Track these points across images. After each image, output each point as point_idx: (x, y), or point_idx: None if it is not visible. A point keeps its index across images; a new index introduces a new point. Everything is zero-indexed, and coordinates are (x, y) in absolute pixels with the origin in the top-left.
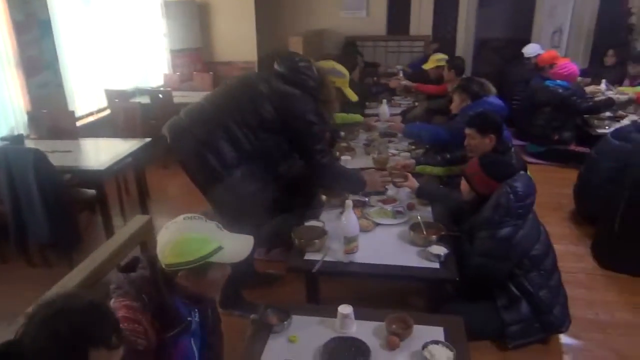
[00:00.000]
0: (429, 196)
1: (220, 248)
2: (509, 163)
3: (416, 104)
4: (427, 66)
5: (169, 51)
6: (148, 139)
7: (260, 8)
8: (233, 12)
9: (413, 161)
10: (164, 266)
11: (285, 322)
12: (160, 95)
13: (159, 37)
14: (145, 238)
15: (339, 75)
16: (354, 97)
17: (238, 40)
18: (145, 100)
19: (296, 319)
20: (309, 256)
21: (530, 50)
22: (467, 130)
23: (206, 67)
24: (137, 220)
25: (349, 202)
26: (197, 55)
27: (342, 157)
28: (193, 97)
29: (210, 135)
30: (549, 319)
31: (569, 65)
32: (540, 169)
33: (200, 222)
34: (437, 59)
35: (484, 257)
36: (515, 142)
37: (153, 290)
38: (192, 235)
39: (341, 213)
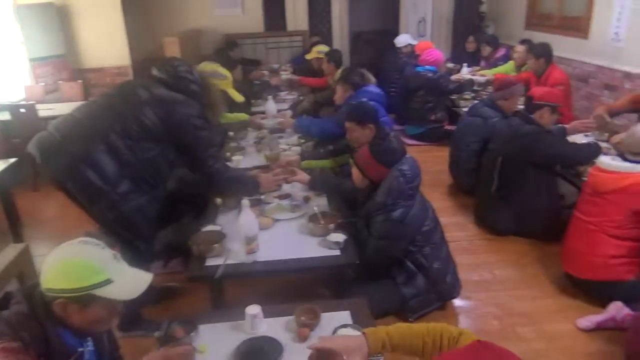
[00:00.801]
0: (322, 188)
1: (108, 281)
2: (395, 148)
3: (301, 97)
4: (309, 56)
5: (29, 60)
6: (13, 159)
7: (128, 9)
8: (97, 15)
9: (298, 157)
10: (43, 290)
11: (192, 334)
12: (23, 110)
13: (14, 46)
14: (23, 268)
15: (221, 77)
16: (238, 97)
17: (107, 44)
18: (5, 116)
19: (203, 328)
20: (210, 262)
21: (401, 40)
22: (347, 124)
23: (74, 75)
24: (11, 250)
25: (244, 202)
26: (62, 62)
27: (234, 158)
28: (61, 109)
29: (88, 149)
30: (443, 287)
31: (435, 52)
32: (419, 149)
33: (94, 248)
34: (318, 50)
35: (382, 239)
36: (395, 127)
37: (33, 325)
38: (79, 260)
39: (238, 214)
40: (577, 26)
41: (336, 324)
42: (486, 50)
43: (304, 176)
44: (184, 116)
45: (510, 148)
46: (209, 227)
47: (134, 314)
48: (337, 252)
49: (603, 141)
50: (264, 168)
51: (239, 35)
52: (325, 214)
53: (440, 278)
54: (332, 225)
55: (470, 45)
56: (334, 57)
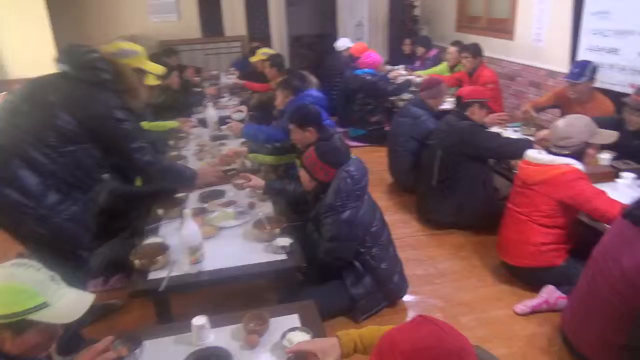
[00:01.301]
0: (277, 192)
1: (45, 305)
2: (340, 149)
3: (242, 106)
4: (253, 59)
5: None
6: None
7: (56, 17)
8: (21, 23)
9: (245, 148)
10: None
11: (136, 351)
12: None
13: None
14: None
15: (130, 54)
16: (158, 69)
17: (34, 54)
18: None
19: (148, 344)
20: (153, 275)
21: (341, 44)
22: (290, 126)
23: None
24: None
25: (187, 211)
26: None
27: None
28: None
29: (3, 168)
30: (391, 288)
31: (373, 55)
32: (361, 151)
33: (29, 270)
34: (262, 52)
35: (333, 241)
36: (338, 129)
37: None
38: (12, 284)
39: (181, 224)
40: (503, 28)
41: (285, 328)
42: (420, 51)
43: (259, 181)
44: (101, 111)
45: (449, 142)
46: (151, 240)
47: (75, 335)
48: (283, 257)
49: (530, 135)
50: None
51: (176, 42)
52: (270, 219)
53: (388, 278)
54: (277, 230)
55: (407, 47)
56: (275, 61)
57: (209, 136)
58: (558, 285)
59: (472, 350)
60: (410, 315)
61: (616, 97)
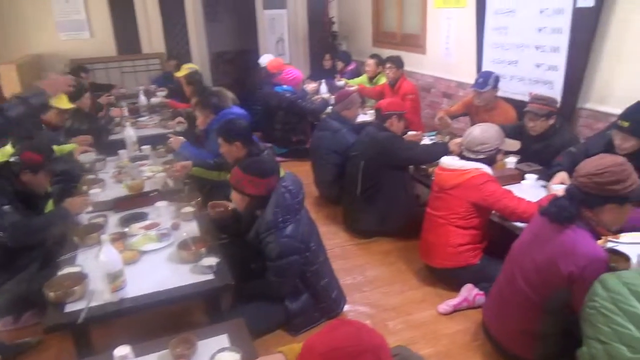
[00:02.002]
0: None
1: None
2: (265, 160)
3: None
4: (179, 74)
5: None
6: None
7: None
8: None
9: (190, 162)
10: None
11: None
12: None
13: None
14: None
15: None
16: (65, 104)
17: None
18: None
19: None
20: (70, 308)
21: (263, 59)
22: (218, 140)
23: None
24: None
25: (104, 237)
26: None
27: (91, 191)
28: None
29: None
30: (329, 304)
31: (293, 71)
32: (286, 165)
33: None
34: (188, 67)
35: (281, 258)
36: (263, 145)
37: None
38: None
39: (99, 251)
40: (416, 43)
41: (214, 349)
42: (340, 65)
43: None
44: None
45: (370, 153)
46: (67, 270)
47: None
48: (210, 276)
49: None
50: (126, 199)
51: (89, 60)
52: (195, 239)
53: (327, 294)
54: (203, 250)
55: (327, 62)
56: (192, 78)
57: (127, 157)
58: (476, 283)
59: (387, 347)
60: None
61: (518, 106)
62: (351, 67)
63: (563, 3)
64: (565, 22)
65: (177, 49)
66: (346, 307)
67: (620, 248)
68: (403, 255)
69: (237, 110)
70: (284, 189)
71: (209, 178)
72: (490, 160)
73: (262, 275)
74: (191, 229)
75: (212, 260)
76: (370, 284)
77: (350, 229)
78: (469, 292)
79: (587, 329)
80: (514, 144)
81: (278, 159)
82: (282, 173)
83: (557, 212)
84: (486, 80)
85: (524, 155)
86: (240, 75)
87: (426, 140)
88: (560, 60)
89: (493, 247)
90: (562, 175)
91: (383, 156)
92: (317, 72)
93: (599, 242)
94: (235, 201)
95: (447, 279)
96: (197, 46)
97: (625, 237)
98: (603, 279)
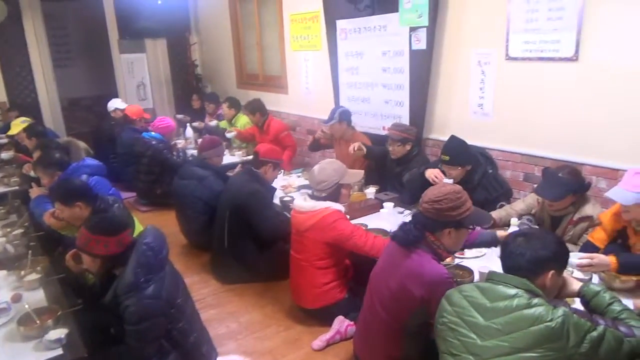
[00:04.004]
0: None
1: None
2: (113, 215)
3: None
4: (13, 131)
5: None
6: None
7: None
8: None
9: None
10: None
11: None
12: None
13: None
14: None
15: None
16: None
17: None
18: None
19: None
20: None
21: (111, 105)
22: (55, 205)
23: None
24: None
25: None
26: None
27: None
28: None
29: None
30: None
31: (167, 120)
32: (152, 215)
33: None
34: (20, 122)
35: (142, 322)
36: (127, 195)
37: None
38: None
39: None
40: (278, 83)
41: None
42: (210, 107)
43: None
44: None
45: (237, 202)
46: None
47: None
48: (58, 351)
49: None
50: None
51: None
52: (41, 310)
53: (197, 351)
54: (50, 322)
55: (195, 103)
56: (33, 131)
57: None
58: (346, 314)
59: None
60: None
61: (376, 139)
62: (221, 109)
63: (401, 46)
64: (405, 62)
65: (22, 97)
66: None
67: (465, 263)
68: (276, 296)
69: (91, 161)
70: (145, 246)
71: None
72: (334, 197)
73: (122, 341)
74: (36, 299)
75: (60, 332)
76: (244, 330)
77: (221, 276)
78: (341, 324)
79: (441, 344)
80: (357, 174)
81: (144, 208)
82: (139, 227)
83: (404, 236)
84: (332, 115)
85: (387, 177)
86: (98, 122)
87: (294, 177)
88: (404, 96)
89: (359, 276)
90: None
91: (244, 211)
92: (186, 113)
93: (448, 259)
94: (87, 264)
95: (319, 317)
96: (45, 93)
97: (469, 252)
98: (448, 295)
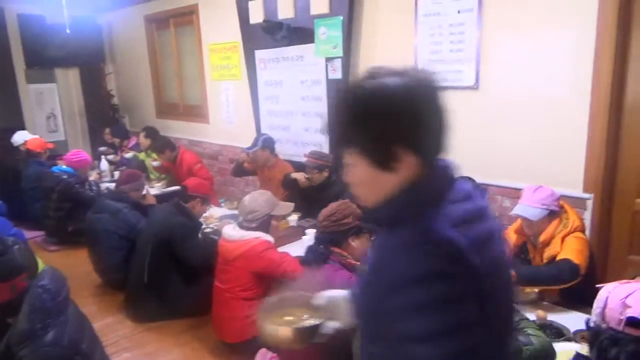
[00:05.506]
0: None
1: None
2: (7, 259)
3: None
4: None
5: None
6: None
7: None
8: None
9: None
10: None
11: None
12: None
13: None
14: None
15: None
16: None
17: None
18: None
19: None
20: None
21: (17, 138)
22: None
23: None
24: None
25: None
26: None
27: None
28: None
29: None
30: None
31: (82, 154)
32: (62, 254)
33: None
34: None
35: None
36: (33, 234)
37: None
38: None
39: None
40: (199, 113)
41: None
42: (117, 142)
43: None
44: None
45: (162, 235)
46: None
47: None
48: None
49: (234, 209)
50: None
51: None
52: None
53: None
54: None
55: (108, 137)
56: None
57: None
58: (269, 348)
59: None
60: None
61: (298, 166)
62: (133, 142)
63: (318, 75)
64: (322, 91)
65: None
66: None
67: None
68: (197, 333)
69: None
70: (40, 289)
71: None
72: (264, 228)
73: None
74: None
75: None
76: None
77: (137, 316)
78: (263, 356)
79: None
80: (288, 207)
81: (54, 247)
82: (41, 267)
83: (314, 257)
84: (255, 142)
85: (309, 203)
86: (1, 157)
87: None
88: (323, 124)
89: None
90: None
91: (170, 243)
92: (101, 146)
93: None
94: None
95: (243, 352)
96: None
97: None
98: None
